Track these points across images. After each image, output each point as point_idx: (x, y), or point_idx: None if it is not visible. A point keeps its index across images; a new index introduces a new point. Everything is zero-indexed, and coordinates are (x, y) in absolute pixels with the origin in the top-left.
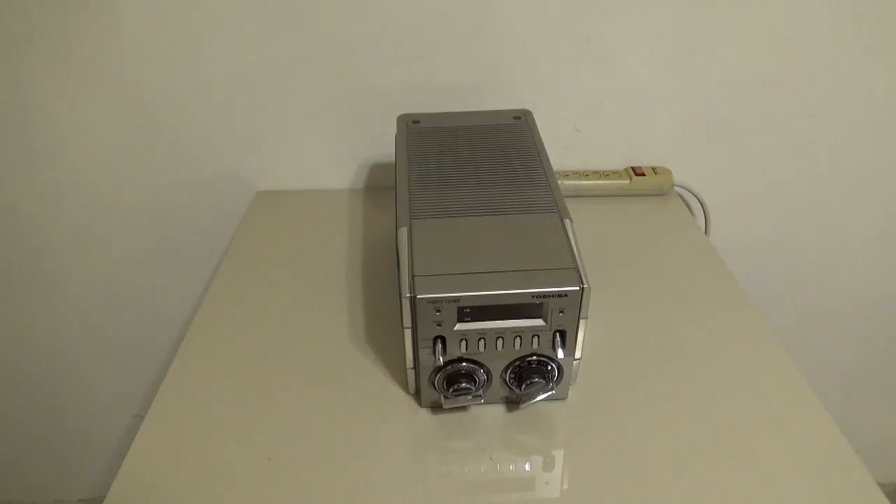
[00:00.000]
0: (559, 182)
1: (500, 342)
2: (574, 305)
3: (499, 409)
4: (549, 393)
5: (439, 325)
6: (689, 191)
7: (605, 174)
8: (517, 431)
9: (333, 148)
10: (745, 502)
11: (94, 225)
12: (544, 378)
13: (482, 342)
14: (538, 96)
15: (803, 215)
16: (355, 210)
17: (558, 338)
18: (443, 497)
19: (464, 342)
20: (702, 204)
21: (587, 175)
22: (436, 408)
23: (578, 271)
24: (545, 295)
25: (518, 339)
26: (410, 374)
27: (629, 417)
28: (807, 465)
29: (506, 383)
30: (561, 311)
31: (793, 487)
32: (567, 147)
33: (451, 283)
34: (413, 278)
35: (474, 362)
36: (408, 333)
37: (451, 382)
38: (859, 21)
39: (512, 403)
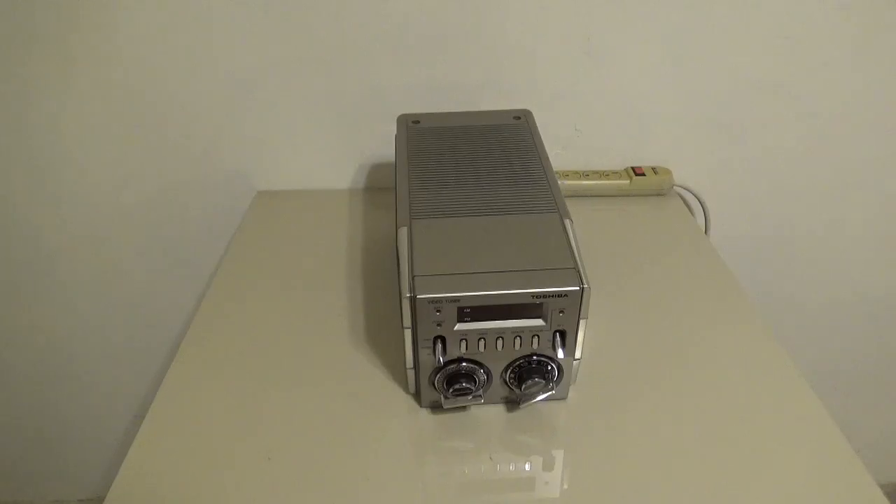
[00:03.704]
0: (559, 182)
1: (500, 342)
2: (574, 305)
3: (499, 409)
4: (549, 393)
5: (439, 325)
6: (689, 191)
7: (605, 174)
8: (517, 431)
9: (333, 148)
10: (746, 502)
11: (94, 225)
12: (544, 378)
13: (482, 342)
14: (538, 96)
15: (803, 215)
16: (355, 210)
17: (558, 338)
18: (443, 497)
19: (464, 342)
20: (702, 204)
21: (587, 175)
22: (436, 408)
23: (578, 271)
24: (545, 295)
25: (518, 339)
26: (410, 374)
27: (629, 417)
28: (807, 465)
29: (506, 383)
30: (561, 312)
31: (793, 487)
32: (567, 147)
33: (451, 283)
34: (413, 278)
35: (474, 362)
36: (408, 333)
37: (451, 382)
38: (859, 21)
39: (512, 403)
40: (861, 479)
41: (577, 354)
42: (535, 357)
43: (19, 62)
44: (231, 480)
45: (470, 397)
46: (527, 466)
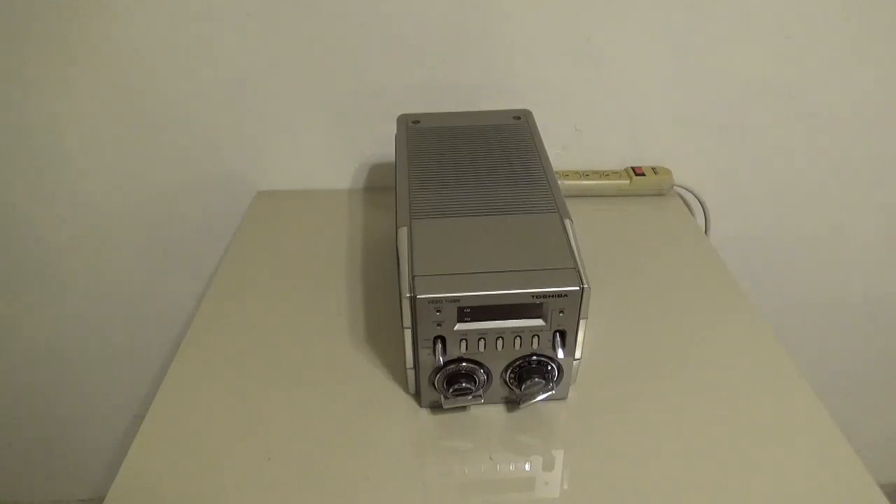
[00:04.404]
0: (559, 182)
1: (500, 342)
2: (574, 305)
3: (499, 409)
4: (549, 393)
5: (439, 325)
6: (689, 191)
7: (605, 174)
8: (517, 431)
9: (333, 148)
10: (746, 502)
11: (94, 225)
12: (544, 378)
13: (482, 342)
14: (538, 96)
15: (803, 215)
16: (355, 210)
17: (558, 338)
18: (443, 497)
19: (464, 342)
20: (702, 204)
21: (587, 175)
22: (436, 408)
23: (578, 271)
24: (545, 295)
25: (518, 339)
26: (410, 374)
27: (629, 417)
28: (807, 465)
29: (506, 383)
30: (561, 312)
31: (793, 487)
32: (567, 147)
33: (451, 283)
34: (413, 278)
35: (474, 362)
36: (408, 333)
37: (451, 382)
38: (859, 21)
39: (512, 403)
40: (861, 479)
41: (577, 354)
42: (535, 357)
43: (19, 62)
44: (231, 480)
45: (470, 397)
46: (527, 466)
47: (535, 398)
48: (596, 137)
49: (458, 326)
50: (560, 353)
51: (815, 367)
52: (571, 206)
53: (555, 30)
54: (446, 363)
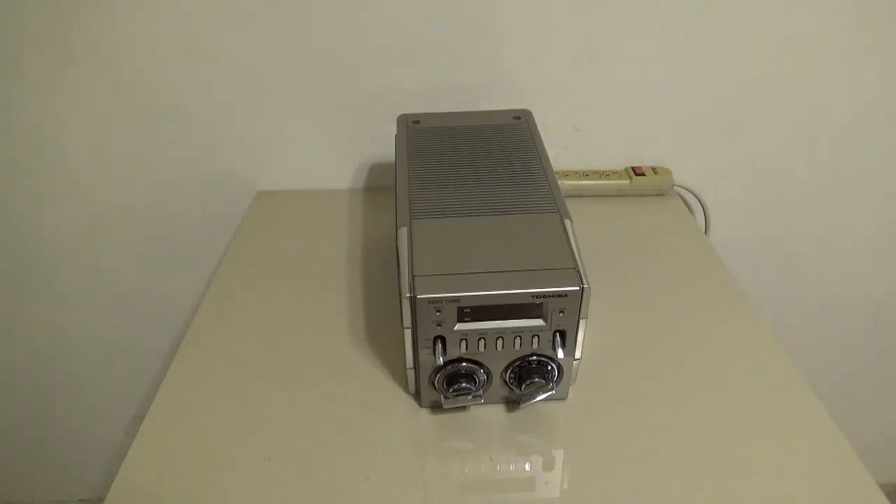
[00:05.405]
0: (559, 182)
1: (500, 342)
2: (574, 305)
3: (499, 409)
4: (549, 393)
5: (439, 325)
6: (689, 191)
7: (605, 174)
8: (517, 431)
9: (333, 148)
10: (746, 502)
11: (93, 225)
12: (544, 378)
13: (482, 342)
14: (538, 96)
15: (803, 215)
16: (355, 210)
17: (558, 338)
18: (443, 497)
19: (464, 342)
20: (702, 204)
21: (587, 175)
22: (436, 408)
23: (578, 271)
24: (545, 295)
25: (518, 339)
26: (410, 374)
27: (629, 417)
28: (807, 465)
29: (506, 383)
30: (561, 312)
31: (793, 487)
32: (567, 147)
33: (451, 283)
34: (413, 278)
35: (474, 362)
36: (408, 333)
37: (451, 382)
38: (860, 21)
39: (512, 403)
40: (861, 479)
41: (577, 354)
42: (535, 357)
43: (20, 62)
44: (231, 480)
45: (470, 397)
46: (527, 466)
47: (535, 398)
48: (596, 137)
49: (458, 326)
50: (560, 353)
51: (815, 367)
52: (571, 206)
53: (555, 30)
54: (446, 363)
